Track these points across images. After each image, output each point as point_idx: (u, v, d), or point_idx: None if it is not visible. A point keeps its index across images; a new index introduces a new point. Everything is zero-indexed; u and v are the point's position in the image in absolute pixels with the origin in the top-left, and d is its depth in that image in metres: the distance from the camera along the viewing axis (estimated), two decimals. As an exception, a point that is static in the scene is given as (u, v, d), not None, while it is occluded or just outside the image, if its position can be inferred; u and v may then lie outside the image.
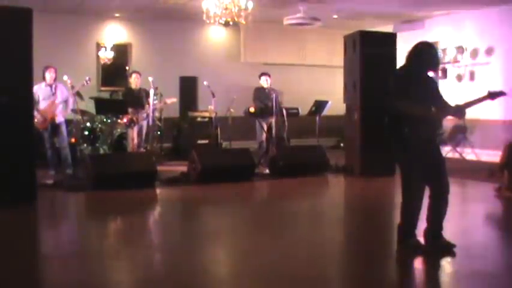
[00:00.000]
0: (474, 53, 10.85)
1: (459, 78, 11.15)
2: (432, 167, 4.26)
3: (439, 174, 4.28)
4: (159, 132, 10.34)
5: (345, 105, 8.78)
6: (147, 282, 3.75)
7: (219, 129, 10.35)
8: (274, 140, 9.38)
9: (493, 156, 9.03)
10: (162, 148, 10.60)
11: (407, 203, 4.31)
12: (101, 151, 9.04)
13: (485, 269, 3.98)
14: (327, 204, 6.93)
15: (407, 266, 4.18)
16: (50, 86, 8.02)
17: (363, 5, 10.39)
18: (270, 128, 9.56)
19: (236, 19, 8.32)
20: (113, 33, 11.63)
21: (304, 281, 3.73)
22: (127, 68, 11.53)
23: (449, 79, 11.22)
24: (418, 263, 4.20)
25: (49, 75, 7.98)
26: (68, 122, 8.76)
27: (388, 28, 12.04)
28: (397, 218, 4.45)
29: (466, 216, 5.99)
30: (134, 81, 9.51)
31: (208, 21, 8.48)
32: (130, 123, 9.09)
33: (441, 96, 4.39)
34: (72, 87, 8.28)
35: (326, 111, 9.77)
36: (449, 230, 4.50)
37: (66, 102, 8.23)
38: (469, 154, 10.63)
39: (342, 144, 11.17)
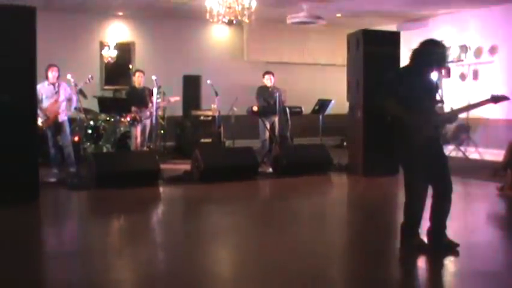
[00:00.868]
0: (478, 52, 10.81)
1: (463, 77, 11.12)
2: (435, 166, 4.25)
3: (442, 173, 4.27)
4: (162, 131, 10.35)
5: (348, 104, 8.77)
6: (150, 280, 3.76)
7: (222, 127, 10.36)
8: (277, 139, 9.38)
9: (496, 155, 9.01)
10: (165, 147, 10.62)
11: (410, 203, 4.30)
12: (104, 149, 9.07)
13: (488, 268, 3.97)
14: (330, 203, 6.93)
15: (411, 265, 4.17)
16: (53, 84, 8.03)
17: (366, 4, 10.37)
18: (273, 126, 9.56)
19: (239, 18, 8.32)
20: (116, 32, 11.63)
21: (307, 279, 3.73)
22: (130, 66, 11.55)
23: (453, 78, 11.19)
24: (421, 262, 4.20)
25: (51, 74, 7.99)
26: (72, 120, 8.77)
27: (391, 27, 12.00)
28: (400, 217, 4.44)
29: (469, 215, 5.98)
30: (138, 80, 9.52)
31: (211, 20, 8.48)
32: (134, 122, 9.12)
33: (436, 102, 4.35)
34: (75, 85, 8.29)
35: (329, 110, 9.76)
36: (453, 229, 4.50)
37: (69, 100, 8.25)
38: (472, 153, 10.61)
39: (345, 143, 11.16)
